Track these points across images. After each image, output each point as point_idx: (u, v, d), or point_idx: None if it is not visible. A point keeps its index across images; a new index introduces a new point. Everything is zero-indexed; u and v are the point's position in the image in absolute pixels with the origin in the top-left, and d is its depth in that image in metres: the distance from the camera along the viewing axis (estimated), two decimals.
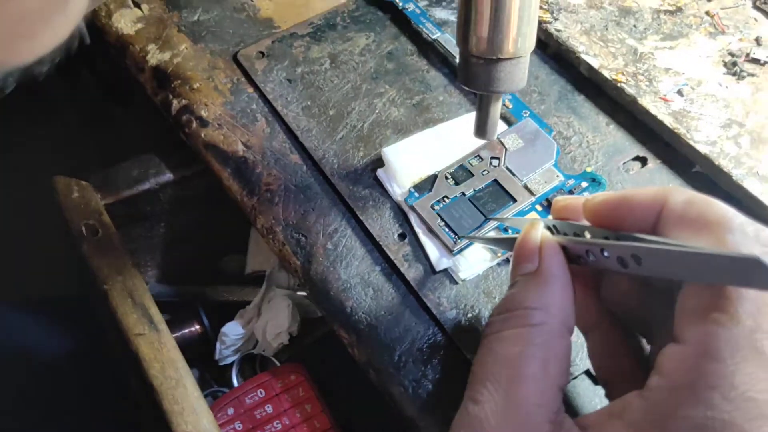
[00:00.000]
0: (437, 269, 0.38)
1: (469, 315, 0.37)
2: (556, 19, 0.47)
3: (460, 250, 0.38)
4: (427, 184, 0.40)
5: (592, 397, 0.34)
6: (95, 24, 0.52)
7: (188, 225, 0.58)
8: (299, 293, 0.57)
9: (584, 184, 0.40)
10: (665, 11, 0.48)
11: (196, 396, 0.41)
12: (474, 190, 0.40)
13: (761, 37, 0.46)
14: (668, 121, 0.41)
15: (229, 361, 0.58)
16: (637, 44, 0.46)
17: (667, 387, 0.23)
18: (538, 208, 0.40)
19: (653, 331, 0.29)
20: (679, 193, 0.26)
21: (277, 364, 0.56)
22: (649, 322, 0.29)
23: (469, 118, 0.39)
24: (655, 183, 0.41)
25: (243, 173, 0.43)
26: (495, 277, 0.38)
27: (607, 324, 0.30)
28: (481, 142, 0.38)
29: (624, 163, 0.42)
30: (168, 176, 0.53)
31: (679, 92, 0.43)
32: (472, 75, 0.32)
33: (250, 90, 0.47)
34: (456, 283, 0.38)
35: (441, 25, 0.48)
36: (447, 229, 0.39)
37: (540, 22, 0.46)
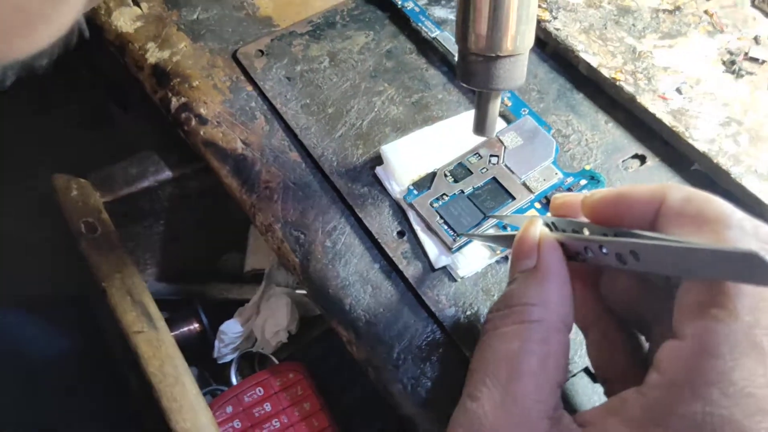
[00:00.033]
0: (436, 267, 0.38)
1: (468, 312, 0.37)
2: (555, 18, 0.47)
3: (459, 248, 0.38)
4: (426, 182, 0.40)
5: (590, 395, 0.35)
6: (95, 22, 0.52)
7: (187, 223, 0.58)
8: (298, 291, 0.57)
9: (583, 182, 0.40)
10: (664, 10, 0.48)
11: (195, 394, 0.41)
12: (473, 188, 0.40)
13: (760, 35, 0.46)
14: (667, 119, 0.41)
15: (227, 359, 0.58)
16: (636, 43, 0.46)
17: (665, 383, 0.23)
18: (537, 205, 0.40)
19: (652, 327, 0.29)
20: (677, 189, 0.26)
21: (276, 362, 0.56)
22: (647, 318, 0.29)
23: (468, 115, 0.39)
24: (654, 181, 0.41)
25: (242, 171, 0.43)
26: (494, 274, 0.38)
27: (606, 321, 0.30)
28: (480, 139, 0.38)
29: (623, 161, 0.42)
30: (167, 174, 0.53)
31: (678, 90, 0.43)
32: (471, 72, 0.32)
33: (249, 88, 0.47)
34: (455, 280, 0.38)
35: (440, 23, 0.48)
36: (446, 227, 0.39)
37: (539, 21, 0.46)
